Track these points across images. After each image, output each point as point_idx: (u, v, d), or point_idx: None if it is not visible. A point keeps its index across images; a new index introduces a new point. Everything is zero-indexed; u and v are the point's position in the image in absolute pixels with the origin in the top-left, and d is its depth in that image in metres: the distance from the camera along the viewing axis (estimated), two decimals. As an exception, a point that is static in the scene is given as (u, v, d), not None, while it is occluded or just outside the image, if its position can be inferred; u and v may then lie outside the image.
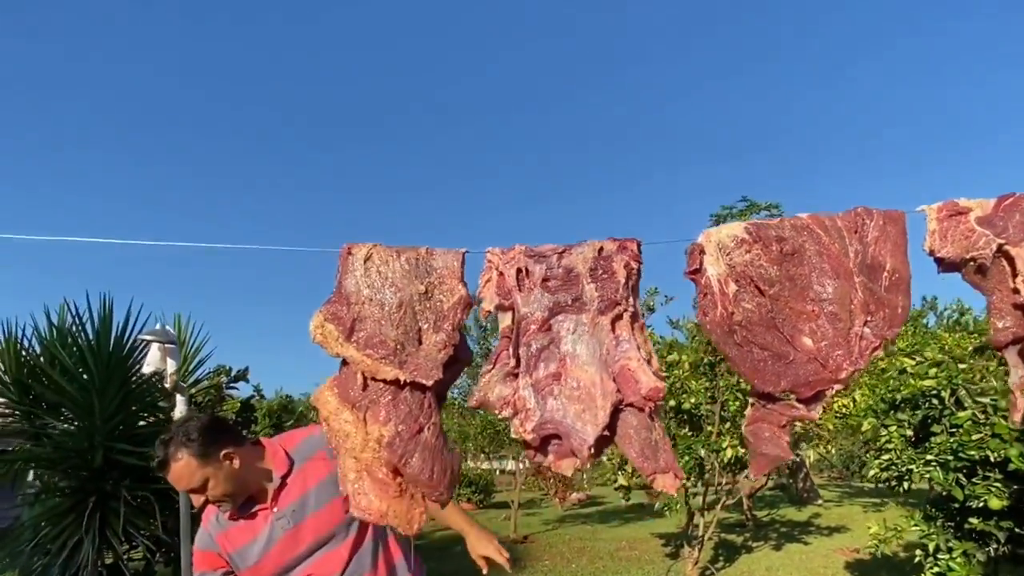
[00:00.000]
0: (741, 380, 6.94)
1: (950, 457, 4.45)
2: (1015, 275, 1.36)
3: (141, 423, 5.01)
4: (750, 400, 1.36)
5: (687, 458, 6.50)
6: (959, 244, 1.35)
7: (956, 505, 4.60)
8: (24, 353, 4.95)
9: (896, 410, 5.31)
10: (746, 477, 8.06)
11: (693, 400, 6.85)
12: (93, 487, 4.49)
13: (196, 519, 2.06)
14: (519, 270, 1.31)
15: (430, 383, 1.24)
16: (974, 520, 4.40)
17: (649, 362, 1.27)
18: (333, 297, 1.30)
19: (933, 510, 4.87)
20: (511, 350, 1.29)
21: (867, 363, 1.29)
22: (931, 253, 1.36)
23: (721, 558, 7.85)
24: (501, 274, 1.32)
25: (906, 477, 5.57)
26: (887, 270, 1.33)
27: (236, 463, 1.79)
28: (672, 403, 6.74)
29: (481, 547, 2.04)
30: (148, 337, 4.15)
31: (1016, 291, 1.36)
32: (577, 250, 1.33)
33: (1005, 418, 4.23)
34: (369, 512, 1.24)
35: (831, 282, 1.31)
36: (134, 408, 4.87)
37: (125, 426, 4.77)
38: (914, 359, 5.54)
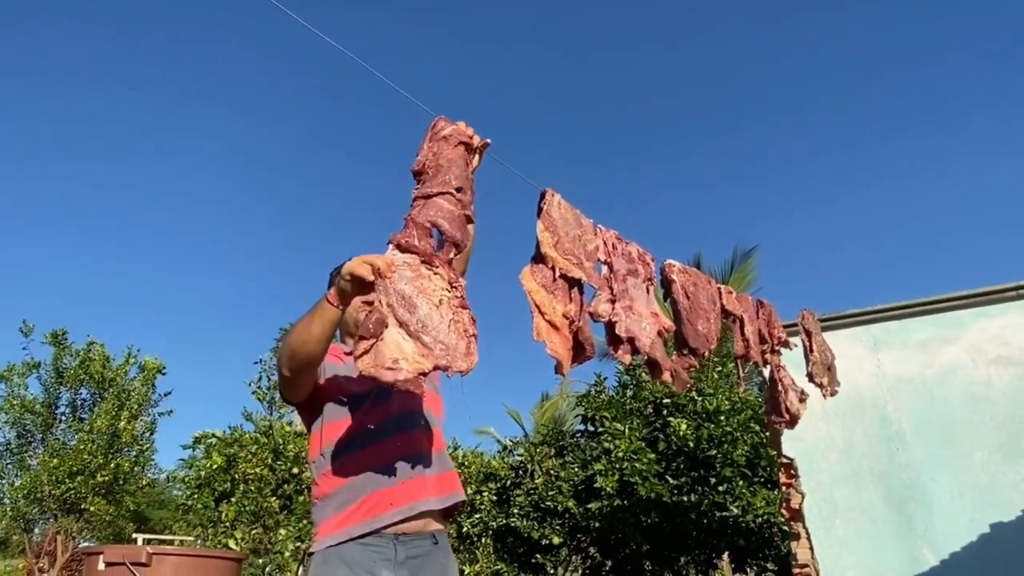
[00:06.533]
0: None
1: (531, 509, 6.20)
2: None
3: None
4: (675, 347, 2.57)
5: None
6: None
7: (522, 548, 6.31)
8: None
9: (488, 480, 7.01)
10: None
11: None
12: None
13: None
14: (613, 244, 2.30)
15: (596, 285, 2.09)
16: (539, 556, 6.15)
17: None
18: (544, 218, 2.03)
19: (505, 554, 6.48)
20: (608, 288, 2.23)
21: (714, 343, 2.68)
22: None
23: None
24: (605, 241, 2.28)
25: (488, 532, 7.19)
26: (716, 307, 2.81)
27: None
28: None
29: None
30: None
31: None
32: (632, 245, 2.40)
33: (565, 481, 6.24)
34: (556, 353, 1.93)
35: (707, 303, 2.70)
36: None
37: None
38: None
